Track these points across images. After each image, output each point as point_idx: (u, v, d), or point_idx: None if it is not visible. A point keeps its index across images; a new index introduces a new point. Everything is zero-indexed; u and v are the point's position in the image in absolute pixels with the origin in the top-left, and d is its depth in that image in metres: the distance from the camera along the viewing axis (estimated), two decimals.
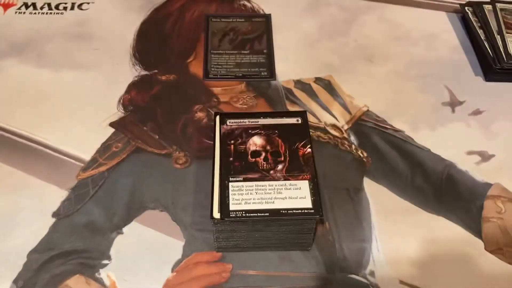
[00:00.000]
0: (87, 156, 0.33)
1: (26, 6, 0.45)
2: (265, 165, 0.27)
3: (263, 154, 0.28)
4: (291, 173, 0.27)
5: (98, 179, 0.32)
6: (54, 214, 0.30)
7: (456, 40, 0.43)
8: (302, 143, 0.28)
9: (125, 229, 0.30)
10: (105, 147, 0.34)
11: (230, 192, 0.26)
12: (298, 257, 0.28)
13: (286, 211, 0.25)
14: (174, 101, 0.37)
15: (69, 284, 0.27)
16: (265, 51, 0.41)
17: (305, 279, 0.27)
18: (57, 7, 0.45)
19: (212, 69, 0.40)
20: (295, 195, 0.26)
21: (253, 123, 0.30)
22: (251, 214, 0.25)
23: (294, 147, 0.28)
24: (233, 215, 0.25)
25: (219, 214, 0.25)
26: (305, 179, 0.27)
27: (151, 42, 0.42)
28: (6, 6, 0.45)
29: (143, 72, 0.40)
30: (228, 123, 0.29)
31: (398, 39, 0.43)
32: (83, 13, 0.45)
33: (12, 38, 0.42)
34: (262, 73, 0.40)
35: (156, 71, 0.40)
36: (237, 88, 0.39)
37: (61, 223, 0.30)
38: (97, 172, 0.33)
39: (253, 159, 0.27)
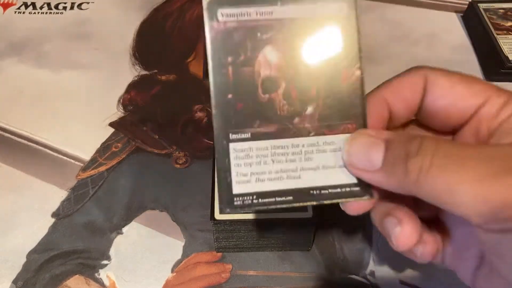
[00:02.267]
0: (86, 156, 0.33)
1: (26, 5, 0.45)
2: (286, 106, 0.16)
3: (283, 83, 0.16)
4: (328, 121, 0.16)
5: (97, 179, 0.32)
6: (54, 214, 0.30)
7: (456, 40, 0.43)
8: (346, 61, 0.16)
9: (125, 229, 0.30)
10: (104, 147, 0.34)
11: (232, 161, 0.16)
12: (298, 257, 0.28)
13: (319, 192, 0.16)
14: (174, 101, 0.37)
15: (68, 284, 0.27)
16: None
17: (305, 279, 0.27)
18: (56, 6, 0.45)
19: None
20: (332, 162, 0.16)
21: (265, 17, 0.16)
22: (268, 200, 0.16)
23: (332, 70, 0.16)
24: (239, 202, 0.16)
25: (222, 208, 0.16)
26: (350, 132, 0.16)
27: (151, 42, 0.42)
28: (6, 6, 0.45)
29: (143, 72, 0.39)
30: (220, 17, 0.16)
31: (398, 39, 0.43)
32: (83, 13, 0.45)
33: (11, 38, 0.42)
34: None
35: (156, 71, 0.40)
36: None
37: (61, 223, 0.30)
38: (96, 172, 0.32)
39: (266, 95, 0.16)
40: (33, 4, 0.45)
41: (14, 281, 0.27)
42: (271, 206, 0.16)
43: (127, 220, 0.30)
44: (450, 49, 0.42)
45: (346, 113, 0.16)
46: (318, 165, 0.16)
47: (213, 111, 0.16)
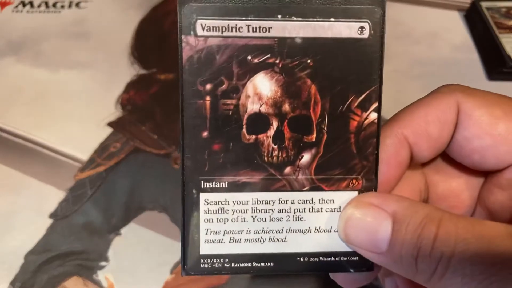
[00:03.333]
0: (85, 156, 0.33)
1: (23, 4, 0.45)
2: (276, 152, 0.13)
3: (275, 123, 0.13)
4: (328, 173, 0.13)
5: (96, 179, 0.32)
6: (52, 215, 0.30)
7: (458, 39, 0.43)
8: (360, 98, 0.13)
9: (123, 230, 0.29)
10: (103, 147, 0.34)
11: (202, 215, 0.13)
12: None
13: (307, 259, 0.14)
14: (173, 100, 0.37)
15: (66, 285, 0.27)
16: None
17: (305, 279, 0.27)
18: (54, 5, 0.45)
19: None
20: (328, 224, 0.13)
21: (259, 34, 0.12)
22: (243, 265, 0.13)
23: (341, 108, 0.13)
24: (206, 265, 0.13)
25: (186, 269, 0.14)
26: (354, 189, 0.13)
27: (149, 41, 0.41)
28: (3, 5, 0.45)
29: (142, 71, 0.39)
30: (200, 31, 0.12)
31: (400, 38, 0.43)
32: (81, 12, 0.44)
33: (9, 37, 0.42)
34: None
35: (154, 70, 0.39)
36: None
37: (59, 224, 0.30)
38: (95, 172, 0.32)
39: (252, 136, 0.13)
40: (31, 3, 0.45)
41: (12, 283, 0.27)
42: (246, 273, 0.13)
43: (125, 221, 0.30)
44: (452, 48, 0.42)
45: (352, 165, 0.13)
46: (310, 226, 0.13)
47: (183, 151, 0.13)
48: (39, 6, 0.45)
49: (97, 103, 0.37)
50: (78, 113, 0.36)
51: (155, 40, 0.42)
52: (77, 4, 0.45)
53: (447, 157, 0.15)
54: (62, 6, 0.45)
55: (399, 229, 0.11)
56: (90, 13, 0.44)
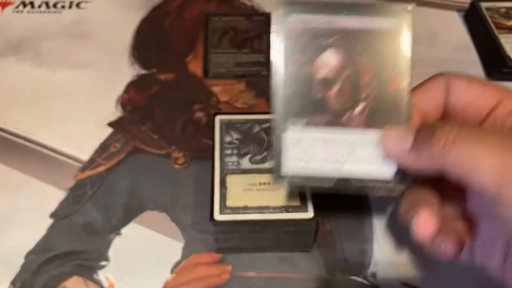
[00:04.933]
0: (85, 156, 0.33)
1: (24, 4, 0.45)
2: (337, 102, 0.19)
3: (338, 83, 0.19)
4: (375, 120, 0.18)
5: (96, 179, 0.32)
6: (52, 215, 0.30)
7: (458, 39, 0.43)
8: (398, 70, 0.18)
9: (123, 230, 0.29)
10: (103, 147, 0.34)
11: (289, 143, 0.19)
12: (299, 259, 0.28)
13: (358, 181, 0.18)
14: (173, 100, 0.37)
15: (67, 285, 0.27)
16: (265, 50, 0.41)
17: (305, 280, 0.27)
18: (55, 5, 0.45)
19: (212, 68, 0.39)
20: (374, 157, 0.18)
21: (329, 26, 0.19)
22: (316, 175, 0.18)
23: (384, 77, 0.19)
24: (292, 172, 0.18)
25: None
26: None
27: (150, 41, 0.42)
28: (4, 5, 0.45)
29: (142, 71, 0.39)
30: (292, 21, 0.19)
31: None
32: (81, 12, 0.44)
33: (9, 37, 0.42)
34: (262, 72, 0.39)
35: (155, 70, 0.39)
36: (237, 88, 0.38)
37: (59, 224, 0.30)
38: (95, 172, 0.32)
39: (320, 93, 0.19)
40: (31, 3, 0.45)
41: (12, 283, 0.27)
42: (319, 181, 0.19)
43: (126, 221, 0.30)
44: (451, 48, 0.42)
45: (391, 115, 0.18)
46: (361, 157, 0.19)
47: (277, 98, 0.19)
48: (39, 6, 0.45)
49: (98, 103, 0.37)
50: (79, 113, 0.36)
51: (155, 40, 0.42)
52: (78, 5, 0.45)
53: None
54: (63, 7, 0.45)
55: (419, 131, 0.17)
56: (90, 13, 0.44)
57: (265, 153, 0.28)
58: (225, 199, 0.26)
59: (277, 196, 0.26)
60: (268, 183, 0.26)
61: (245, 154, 0.28)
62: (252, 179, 0.27)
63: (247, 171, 0.27)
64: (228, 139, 0.29)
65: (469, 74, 0.19)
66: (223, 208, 0.26)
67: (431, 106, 0.19)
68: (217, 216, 0.25)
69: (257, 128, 0.29)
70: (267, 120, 0.30)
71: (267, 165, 0.27)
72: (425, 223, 0.17)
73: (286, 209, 0.26)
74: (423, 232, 0.18)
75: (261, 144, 0.29)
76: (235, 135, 0.29)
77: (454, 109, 0.19)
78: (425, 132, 0.17)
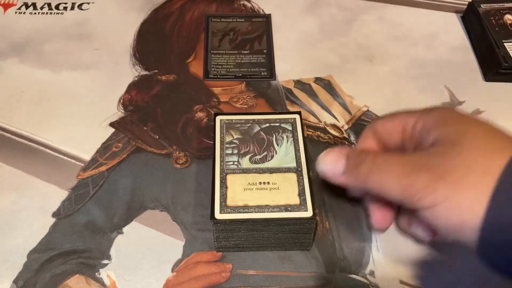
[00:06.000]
0: (87, 156, 0.33)
1: (26, 6, 0.45)
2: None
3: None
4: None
5: (98, 179, 0.32)
6: (54, 214, 0.30)
7: (456, 40, 0.43)
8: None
9: (125, 229, 0.30)
10: (105, 147, 0.34)
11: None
12: (298, 257, 0.28)
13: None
14: (174, 101, 0.37)
15: (69, 284, 0.27)
16: (265, 51, 0.41)
17: (305, 278, 0.27)
18: (57, 7, 0.45)
19: (212, 69, 0.40)
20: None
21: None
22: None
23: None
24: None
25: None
26: None
27: (151, 42, 0.42)
28: (6, 6, 0.45)
29: (143, 72, 0.40)
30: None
31: (398, 39, 0.43)
32: (83, 13, 0.45)
33: (12, 38, 0.42)
34: (262, 73, 0.40)
35: (156, 71, 0.40)
36: (237, 88, 0.39)
37: (61, 223, 0.30)
38: (97, 172, 0.33)
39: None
40: (34, 5, 0.46)
41: (15, 281, 0.27)
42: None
43: (127, 220, 0.30)
44: (449, 49, 0.42)
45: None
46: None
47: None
48: (42, 7, 0.45)
49: (99, 103, 0.37)
50: (81, 113, 0.36)
51: (156, 41, 0.42)
52: (80, 6, 0.45)
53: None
54: (65, 8, 0.45)
55: (349, 159, 0.24)
56: (92, 14, 0.45)
57: (265, 153, 0.28)
58: (225, 198, 0.26)
59: (277, 196, 0.26)
60: (268, 183, 0.27)
61: (245, 154, 0.28)
62: (252, 179, 0.27)
63: (247, 170, 0.27)
64: (228, 139, 0.29)
65: (390, 112, 0.25)
66: (224, 207, 0.26)
67: (371, 145, 0.26)
68: (218, 215, 0.26)
69: (257, 128, 0.30)
70: (266, 120, 0.30)
71: (267, 164, 0.28)
72: (378, 219, 0.25)
73: (286, 208, 0.26)
74: (378, 224, 0.25)
75: (261, 144, 0.29)
76: (236, 135, 0.29)
77: (383, 141, 0.25)
78: (353, 160, 0.23)
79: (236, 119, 0.30)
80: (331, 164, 0.24)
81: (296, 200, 0.26)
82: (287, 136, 0.29)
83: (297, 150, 0.29)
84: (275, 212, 0.26)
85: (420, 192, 0.20)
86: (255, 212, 0.26)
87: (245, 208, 0.26)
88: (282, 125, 0.30)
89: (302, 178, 0.27)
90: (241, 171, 0.27)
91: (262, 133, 0.30)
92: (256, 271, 0.28)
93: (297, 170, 0.28)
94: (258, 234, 0.27)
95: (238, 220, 0.25)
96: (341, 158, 0.24)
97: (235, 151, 0.28)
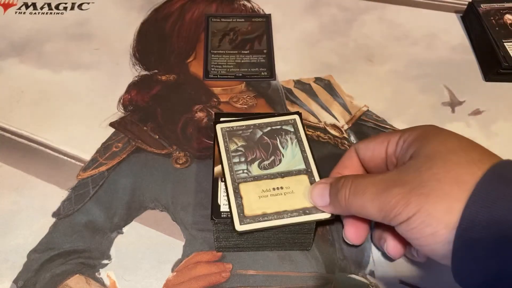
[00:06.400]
0: (87, 156, 0.33)
1: (26, 6, 0.45)
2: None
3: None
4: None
5: (98, 179, 0.32)
6: (54, 214, 0.30)
7: (456, 40, 0.43)
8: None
9: (125, 229, 0.30)
10: (105, 147, 0.34)
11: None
12: (298, 257, 0.28)
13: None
14: (174, 101, 0.38)
15: (69, 283, 0.27)
16: (265, 51, 0.41)
17: (305, 278, 0.28)
18: (57, 7, 0.45)
19: (212, 69, 0.40)
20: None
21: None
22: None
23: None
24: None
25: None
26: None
27: (151, 42, 0.42)
28: (6, 6, 0.45)
29: (143, 72, 0.40)
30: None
31: (398, 39, 0.43)
32: (83, 13, 0.45)
33: (12, 38, 0.42)
34: (262, 73, 0.40)
35: (156, 71, 0.40)
36: (237, 88, 0.39)
37: (61, 223, 0.30)
38: (97, 172, 0.33)
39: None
40: (34, 5, 0.46)
41: (15, 281, 0.27)
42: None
43: (127, 220, 0.30)
44: (449, 49, 0.42)
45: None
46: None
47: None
48: (42, 7, 0.45)
49: (99, 103, 0.37)
50: (81, 113, 0.36)
51: (156, 41, 0.42)
52: (80, 6, 0.45)
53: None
54: (65, 8, 0.45)
55: (331, 188, 0.25)
56: (92, 14, 0.45)
57: (272, 158, 0.28)
58: (242, 209, 0.25)
59: (293, 200, 0.26)
60: (281, 188, 0.26)
61: (253, 161, 0.28)
62: (265, 185, 0.26)
63: (259, 177, 0.27)
64: (233, 147, 0.28)
65: (372, 136, 0.27)
66: (242, 218, 0.25)
67: (352, 168, 0.27)
68: (238, 226, 0.25)
69: (259, 133, 0.29)
70: (267, 124, 0.30)
71: (277, 169, 0.27)
72: (393, 247, 0.26)
73: (304, 211, 0.26)
74: (394, 253, 0.26)
75: (266, 149, 0.28)
76: (239, 142, 0.29)
77: (366, 162, 0.26)
78: (334, 190, 0.24)
79: (236, 126, 0.29)
80: (319, 197, 0.25)
81: (310, 202, 0.26)
82: (290, 138, 0.29)
83: (303, 151, 0.28)
84: (294, 216, 0.25)
85: (395, 208, 0.20)
86: (275, 219, 0.25)
87: (264, 216, 0.25)
88: (284, 127, 0.29)
89: (314, 179, 0.27)
90: (252, 178, 0.27)
91: (265, 137, 0.29)
92: (256, 271, 0.28)
93: (307, 172, 0.27)
94: (258, 234, 0.27)
95: (261, 229, 0.25)
96: (325, 189, 0.25)
97: (242, 159, 0.28)
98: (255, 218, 0.25)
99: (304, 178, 0.27)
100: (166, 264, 0.28)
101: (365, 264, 0.28)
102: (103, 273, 0.28)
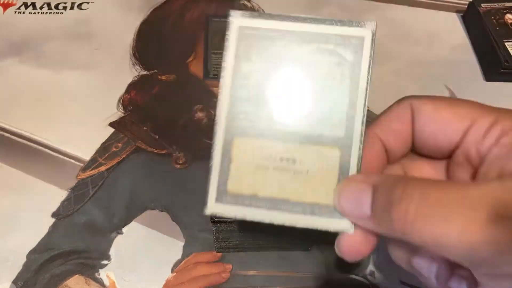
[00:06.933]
0: (87, 156, 0.33)
1: (26, 5, 0.45)
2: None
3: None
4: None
5: (97, 179, 0.32)
6: (54, 214, 0.30)
7: (456, 40, 0.43)
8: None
9: (124, 229, 0.30)
10: (105, 147, 0.34)
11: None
12: (298, 257, 0.28)
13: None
14: (174, 101, 0.37)
15: (68, 284, 0.27)
16: None
17: (305, 279, 0.27)
18: (56, 6, 0.45)
19: (212, 69, 0.40)
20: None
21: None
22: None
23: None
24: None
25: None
26: None
27: (151, 42, 0.42)
28: (6, 6, 0.45)
29: (143, 72, 0.39)
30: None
31: (398, 39, 0.43)
32: (83, 13, 0.45)
33: (11, 37, 0.42)
34: None
35: (156, 71, 0.40)
36: None
37: (61, 223, 0.30)
38: (96, 172, 0.32)
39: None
40: (33, 4, 0.45)
41: (14, 281, 0.27)
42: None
43: (127, 220, 0.30)
44: (450, 49, 0.42)
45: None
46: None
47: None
48: (41, 7, 0.45)
49: (99, 103, 0.37)
50: (80, 113, 0.36)
51: (156, 41, 0.42)
52: (79, 6, 0.45)
53: (419, 156, 0.18)
54: (65, 7, 0.45)
55: (377, 193, 0.15)
56: (92, 14, 0.44)
57: (298, 103, 0.16)
58: (226, 179, 0.17)
59: (303, 185, 0.16)
60: (293, 160, 0.16)
61: (267, 102, 0.16)
62: (273, 150, 0.16)
63: (268, 134, 0.16)
64: (246, 68, 0.17)
65: (436, 96, 0.17)
66: (222, 194, 0.17)
67: (395, 139, 0.17)
68: (212, 206, 0.17)
69: (295, 51, 0.17)
70: (314, 36, 0.17)
71: (297, 126, 0.16)
72: (445, 278, 0.16)
73: (312, 209, 0.16)
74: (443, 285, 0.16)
75: (294, 83, 0.16)
76: (258, 63, 0.16)
77: (422, 137, 0.16)
78: (382, 197, 0.14)
79: (265, 28, 0.17)
80: (352, 202, 0.15)
81: (329, 198, 0.16)
82: (342, 74, 0.16)
83: (352, 104, 0.16)
84: (294, 213, 0.16)
85: (506, 261, 0.12)
86: (265, 208, 0.16)
87: (252, 200, 0.16)
88: (339, 49, 0.16)
89: (349, 160, 0.16)
90: (257, 133, 0.16)
91: (299, 61, 0.16)
92: (256, 272, 0.28)
93: (344, 145, 0.16)
94: (258, 235, 0.27)
95: (238, 220, 0.18)
96: (365, 191, 0.15)
97: (253, 94, 0.16)
98: (239, 200, 0.16)
99: (334, 154, 0.16)
100: (166, 264, 0.28)
101: (365, 264, 0.28)
102: (102, 274, 0.28)
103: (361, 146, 0.16)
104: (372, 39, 0.17)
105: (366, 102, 0.16)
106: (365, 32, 0.17)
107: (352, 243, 0.16)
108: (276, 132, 0.16)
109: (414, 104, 0.16)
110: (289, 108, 0.16)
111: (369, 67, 0.17)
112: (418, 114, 0.16)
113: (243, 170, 0.17)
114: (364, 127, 0.16)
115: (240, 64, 0.17)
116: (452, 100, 0.16)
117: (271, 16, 0.17)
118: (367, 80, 0.16)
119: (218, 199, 0.17)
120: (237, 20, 0.17)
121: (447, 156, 0.17)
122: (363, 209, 0.15)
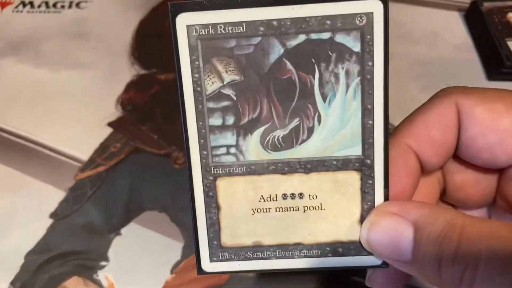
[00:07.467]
0: (85, 156, 0.33)
1: (24, 4, 0.45)
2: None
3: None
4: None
5: (96, 179, 0.32)
6: (52, 215, 0.30)
7: (458, 39, 0.43)
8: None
9: (123, 230, 0.30)
10: (103, 147, 0.34)
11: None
12: None
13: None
14: (173, 100, 0.37)
15: (67, 285, 0.27)
16: None
17: (305, 280, 0.27)
18: (54, 5, 0.45)
19: None
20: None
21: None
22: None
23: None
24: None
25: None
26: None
27: (150, 41, 0.42)
28: (3, 5, 0.45)
29: (142, 71, 0.39)
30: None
31: (400, 38, 0.43)
32: (81, 12, 0.44)
33: (9, 37, 0.42)
34: None
35: (155, 70, 0.39)
36: None
37: (59, 224, 0.30)
38: (95, 172, 0.32)
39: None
40: (31, 3, 0.45)
41: (12, 283, 0.27)
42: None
43: (126, 221, 0.30)
44: (452, 48, 0.42)
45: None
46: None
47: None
48: (39, 6, 0.45)
49: (98, 103, 0.37)
50: (79, 113, 0.36)
51: (155, 40, 0.42)
52: (78, 4, 0.45)
53: (461, 161, 0.14)
54: (63, 6, 0.45)
55: (421, 238, 0.11)
56: (90, 13, 0.44)
57: (295, 122, 0.13)
58: (218, 232, 0.14)
59: (317, 223, 0.13)
60: (301, 195, 0.13)
61: (251, 126, 0.13)
62: (269, 187, 0.13)
63: (258, 167, 0.13)
64: (211, 85, 0.13)
65: (484, 89, 0.14)
66: (217, 251, 0.14)
67: (433, 150, 0.13)
68: (206, 267, 0.14)
69: (277, 51, 0.12)
70: (301, 25, 0.12)
71: (299, 151, 0.13)
72: None
73: (334, 249, 0.13)
74: None
75: (286, 96, 0.12)
76: (229, 74, 0.13)
77: (472, 149, 0.13)
78: (428, 247, 0.11)
79: (224, 22, 0.12)
80: (386, 244, 0.12)
81: (355, 232, 0.13)
82: (347, 72, 0.12)
83: (367, 110, 0.13)
84: (311, 257, 0.13)
85: None
86: (275, 258, 0.13)
87: (256, 250, 0.13)
88: (339, 36, 0.12)
89: (373, 183, 0.13)
90: (245, 168, 0.13)
91: (287, 63, 0.12)
92: (256, 273, 0.28)
93: (364, 164, 0.13)
94: None
95: (246, 273, 0.15)
96: (404, 233, 0.11)
97: (229, 119, 0.13)
98: (239, 253, 0.13)
99: (353, 178, 0.13)
100: (165, 265, 0.28)
101: None
102: (101, 275, 0.27)
103: (387, 163, 0.12)
104: (385, 13, 0.11)
105: (388, 104, 0.12)
106: (374, 4, 0.11)
107: (386, 279, 0.13)
108: (271, 163, 0.12)
109: (461, 104, 0.13)
110: (283, 130, 0.12)
111: (385, 54, 0.11)
112: (469, 120, 0.12)
113: (237, 217, 0.13)
114: (387, 138, 0.12)
115: (202, 80, 0.12)
116: (507, 96, 0.12)
117: (233, 2, 0.11)
118: (385, 74, 0.11)
119: (213, 257, 0.13)
120: (182, 17, 0.12)
121: (500, 168, 0.13)
122: (402, 254, 0.11)
